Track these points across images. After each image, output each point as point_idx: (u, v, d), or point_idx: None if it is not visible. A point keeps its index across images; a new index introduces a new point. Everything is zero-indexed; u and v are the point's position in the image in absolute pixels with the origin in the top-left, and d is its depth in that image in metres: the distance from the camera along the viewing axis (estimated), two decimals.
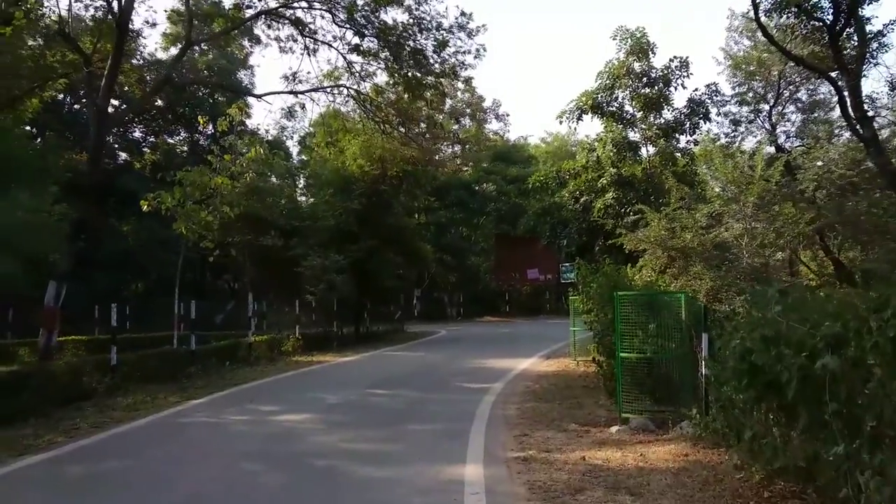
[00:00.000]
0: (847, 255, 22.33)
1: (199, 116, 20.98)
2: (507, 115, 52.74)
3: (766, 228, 17.64)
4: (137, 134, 45.19)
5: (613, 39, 24.49)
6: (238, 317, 26.63)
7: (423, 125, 16.42)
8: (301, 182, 41.45)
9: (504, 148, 47.42)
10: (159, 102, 42.94)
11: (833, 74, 16.34)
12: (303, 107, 17.53)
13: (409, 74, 16.43)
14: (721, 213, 19.53)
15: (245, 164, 24.09)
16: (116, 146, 43.80)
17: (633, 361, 8.64)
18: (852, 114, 12.17)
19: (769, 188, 18.21)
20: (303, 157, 45.35)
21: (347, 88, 16.10)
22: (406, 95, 15.91)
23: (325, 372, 16.57)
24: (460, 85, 41.62)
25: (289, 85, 16.41)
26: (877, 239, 20.12)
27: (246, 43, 46.05)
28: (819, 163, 20.43)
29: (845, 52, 12.81)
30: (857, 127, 12.41)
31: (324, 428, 9.41)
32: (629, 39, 24.26)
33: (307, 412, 10.58)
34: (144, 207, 16.96)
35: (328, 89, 16.61)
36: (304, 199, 35.53)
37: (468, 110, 48.50)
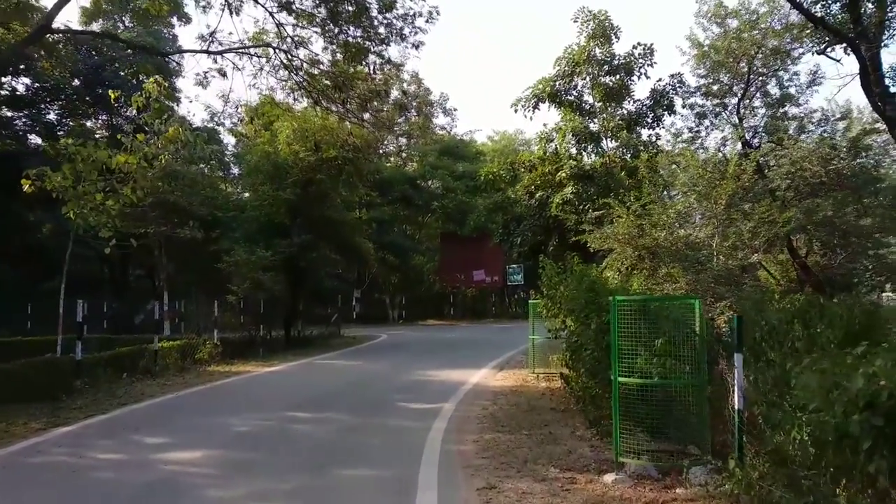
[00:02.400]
0: (813, 259, 21.17)
1: (111, 92, 17.94)
2: (455, 110, 50.77)
3: (738, 229, 16.12)
4: (52, 116, 41.16)
5: (574, 21, 22.74)
6: (169, 317, 23.74)
7: (360, 100, 13.98)
8: (235, 171, 38.43)
9: (451, 143, 45.31)
10: (76, 82, 39.33)
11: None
12: (223, 74, 14.78)
13: (350, 40, 14.07)
14: (689, 212, 17.90)
15: (161, 144, 21.24)
16: (28, 129, 39.62)
17: (633, 388, 6.55)
18: (873, 89, 10.48)
19: (742, 185, 16.70)
20: (237, 148, 42.31)
21: (275, 50, 13.60)
22: (344, 59, 13.51)
23: (243, 386, 14.02)
24: (407, 72, 39.43)
25: (205, 45, 13.84)
26: (852, 242, 18.93)
27: (175, 21, 42.85)
28: (787, 160, 19.12)
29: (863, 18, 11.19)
30: (879, 104, 10.75)
31: (221, 473, 7.00)
32: (591, 22, 22.52)
33: (205, 446, 8.13)
34: (26, 188, 13.98)
35: (252, 51, 14.04)
36: (235, 190, 32.62)
37: (414, 103, 46.23)
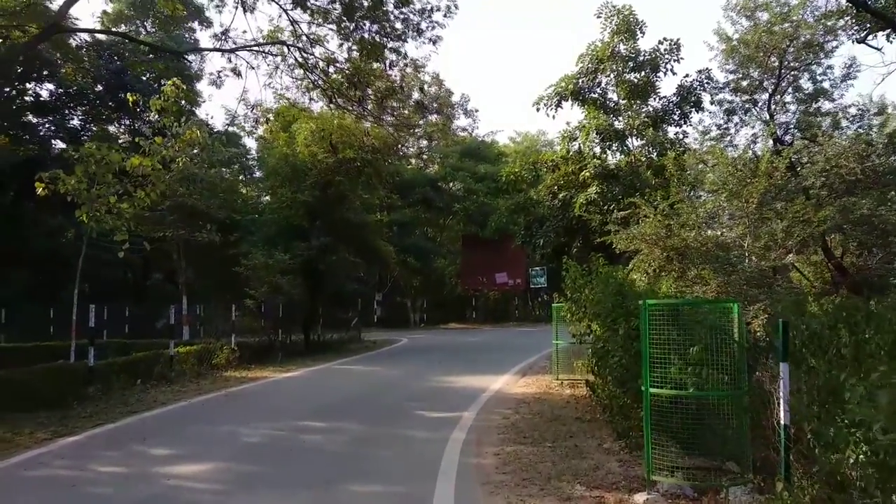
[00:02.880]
0: (849, 259, 20.35)
1: (129, 95, 17.77)
2: (476, 111, 50.20)
3: (771, 228, 15.43)
4: (76, 122, 41.45)
5: (598, 17, 22.12)
6: (189, 322, 23.59)
7: (377, 98, 13.53)
8: (257, 175, 38.32)
9: (473, 144, 44.80)
10: (99, 88, 39.58)
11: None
12: (237, 73, 14.49)
13: (366, 36, 13.68)
14: (718, 211, 17.24)
15: (178, 147, 21.08)
16: (52, 135, 39.97)
17: (667, 400, 6.01)
18: None
19: (774, 183, 16.02)
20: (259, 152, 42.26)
21: (289, 48, 13.25)
22: (360, 55, 13.11)
23: (258, 393, 13.65)
24: (428, 73, 39.04)
25: (218, 44, 13.54)
26: (891, 242, 18.11)
27: (196, 25, 42.89)
28: (822, 157, 18.34)
29: None
30: None
31: (224, 489, 6.59)
32: (615, 17, 21.90)
33: (212, 458, 7.75)
34: (39, 191, 13.82)
35: (267, 50, 13.70)
36: (254, 193, 32.42)
37: (435, 104, 45.85)
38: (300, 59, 14.05)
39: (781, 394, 5.17)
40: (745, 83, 21.51)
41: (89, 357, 12.94)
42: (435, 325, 39.40)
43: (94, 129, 39.37)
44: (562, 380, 13.70)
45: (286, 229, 22.48)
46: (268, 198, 25.82)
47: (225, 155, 23.33)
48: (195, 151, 23.13)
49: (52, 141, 40.08)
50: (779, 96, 20.71)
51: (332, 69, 14.42)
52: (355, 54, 14.19)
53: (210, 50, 13.78)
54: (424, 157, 47.68)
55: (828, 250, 19.82)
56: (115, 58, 39.80)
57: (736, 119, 21.61)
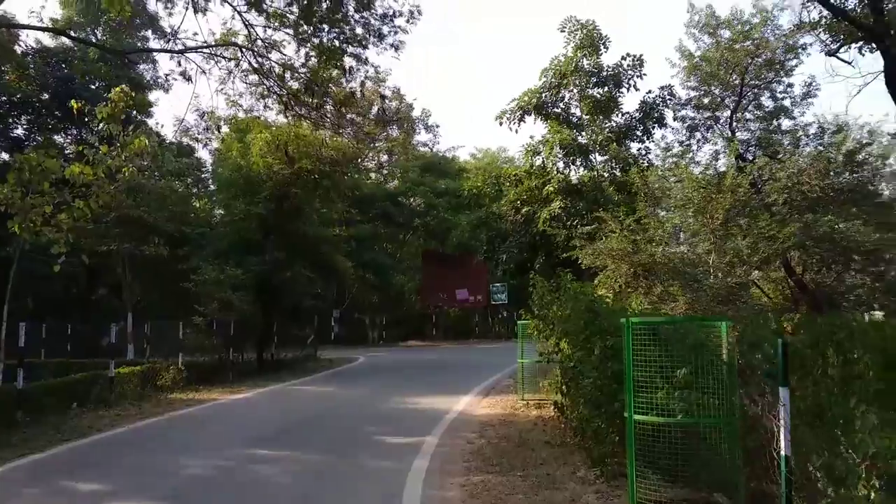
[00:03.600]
0: (808, 276, 20.45)
1: (73, 102, 16.70)
2: (437, 127, 49.73)
3: (736, 244, 15.28)
4: (20, 131, 39.64)
5: (562, 31, 21.96)
6: (134, 340, 22.31)
7: (336, 104, 12.87)
8: (213, 188, 37.13)
9: (433, 160, 44.33)
10: (45, 96, 37.98)
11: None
12: (187, 77, 13.69)
13: (325, 41, 13.07)
14: (684, 227, 17.06)
15: (126, 156, 20.03)
16: None
17: (651, 427, 5.50)
18: None
19: (738, 199, 15.91)
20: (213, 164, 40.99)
21: (242, 50, 12.52)
22: (318, 61, 12.47)
23: (204, 417, 12.74)
24: (388, 88, 38.55)
25: (168, 45, 12.72)
26: (852, 259, 18.21)
27: (150, 34, 41.58)
28: (784, 174, 18.37)
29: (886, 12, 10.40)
30: None
31: None
32: (579, 32, 21.75)
33: (146, 495, 6.96)
34: None
35: (220, 54, 12.95)
36: (207, 206, 31.27)
37: (396, 118, 45.33)
38: (255, 65, 13.31)
39: (782, 421, 4.69)
40: (706, 100, 21.56)
41: (18, 379, 11.86)
42: (394, 343, 38.56)
43: (40, 138, 37.71)
44: (527, 400, 13.15)
45: (239, 243, 21.55)
46: (221, 211, 24.82)
47: (175, 165, 22.27)
48: (144, 163, 22.20)
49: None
50: (740, 113, 20.78)
51: (288, 75, 13.72)
52: (313, 60, 13.54)
53: (158, 51, 13.18)
54: (384, 171, 47.03)
55: (789, 267, 19.87)
56: (63, 65, 38.29)
57: (698, 136, 21.61)
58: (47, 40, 39.86)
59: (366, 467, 8.17)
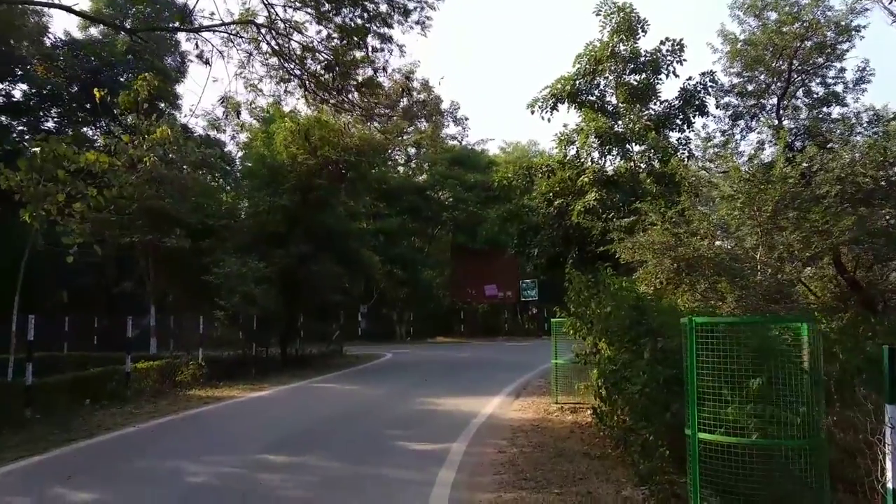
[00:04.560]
0: (860, 273, 19.19)
1: (96, 91, 16.30)
2: (466, 120, 48.87)
3: (786, 239, 14.20)
4: (51, 124, 39.81)
5: (597, 15, 20.91)
6: (157, 334, 21.91)
7: (359, 86, 12.09)
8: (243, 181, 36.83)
9: (462, 153, 43.47)
10: (74, 88, 38.03)
11: None
12: (206, 61, 13.05)
13: (347, 21, 12.34)
14: (731, 220, 15.95)
15: (147, 145, 19.58)
16: (28, 137, 38.29)
17: (719, 447, 4.63)
18: None
19: (788, 191, 14.79)
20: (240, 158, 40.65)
21: (259, 28, 11.82)
22: (341, 41, 11.74)
23: (220, 416, 12.13)
24: (417, 80, 37.78)
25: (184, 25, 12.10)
26: None
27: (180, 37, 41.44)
28: (837, 165, 17.17)
29: None
30: None
31: None
32: (615, 15, 20.69)
33: None
34: None
35: (238, 33, 12.27)
36: (230, 198, 30.85)
37: (424, 112, 44.61)
38: (275, 46, 12.63)
39: (889, 447, 3.80)
40: (751, 87, 20.37)
41: (27, 375, 11.36)
42: (422, 339, 37.86)
43: (70, 131, 37.77)
44: (562, 403, 12.31)
45: (263, 236, 21.00)
46: (246, 203, 24.32)
47: (198, 156, 21.78)
48: (169, 153, 21.73)
49: (27, 143, 38.46)
50: (787, 100, 19.57)
51: (309, 58, 13.02)
52: (336, 42, 12.81)
53: (172, 29, 12.43)
54: (412, 164, 46.38)
55: (840, 263, 18.65)
56: (92, 57, 38.29)
57: (742, 125, 20.43)
58: (76, 32, 39.97)
59: (385, 478, 7.41)
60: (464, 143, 47.62)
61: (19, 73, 37.34)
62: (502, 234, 34.65)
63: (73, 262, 13.28)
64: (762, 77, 19.83)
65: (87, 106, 38.91)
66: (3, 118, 37.41)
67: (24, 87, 39.29)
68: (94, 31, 40.14)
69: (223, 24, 11.35)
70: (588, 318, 9.91)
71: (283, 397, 14.60)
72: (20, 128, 39.86)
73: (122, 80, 37.12)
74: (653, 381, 6.37)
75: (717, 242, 15.17)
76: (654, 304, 8.35)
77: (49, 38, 38.18)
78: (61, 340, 23.79)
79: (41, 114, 39.19)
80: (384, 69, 11.60)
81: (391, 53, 11.99)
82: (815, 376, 4.60)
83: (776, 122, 19.24)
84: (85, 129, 40.33)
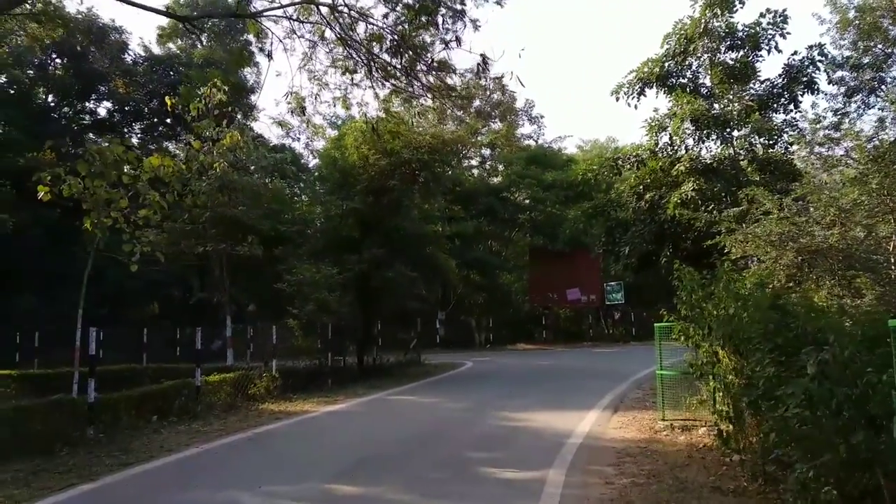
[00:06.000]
0: None
1: (167, 99, 15.95)
2: (542, 118, 47.17)
3: None
4: (135, 140, 40.88)
5: None
6: (238, 344, 21.56)
7: (428, 69, 10.95)
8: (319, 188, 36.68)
9: (538, 151, 41.81)
10: (154, 103, 38.85)
11: None
12: (268, 55, 12.28)
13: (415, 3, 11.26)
14: (860, 205, 13.81)
15: (217, 152, 19.17)
16: None
17: None
18: None
19: None
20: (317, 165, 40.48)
21: (320, 11, 10.88)
22: (409, 25, 10.65)
23: (288, 436, 11.20)
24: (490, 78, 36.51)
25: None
26: None
27: (252, 38, 41.75)
28: None
29: None
30: None
31: None
32: None
33: None
34: (41, 194, 11.86)
35: (302, 29, 11.39)
36: (303, 203, 30.54)
37: (498, 111, 43.37)
38: (339, 33, 11.69)
39: None
40: (867, 59, 18.05)
41: (89, 391, 10.75)
42: (502, 346, 36.44)
43: (153, 146, 38.64)
44: (669, 421, 10.72)
45: (336, 241, 20.26)
46: (319, 208, 23.72)
47: (270, 161, 21.30)
48: (241, 158, 21.36)
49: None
50: None
51: (376, 46, 12.03)
52: (403, 26, 11.77)
53: (228, 15, 11.60)
54: (487, 165, 45.14)
55: None
56: (171, 71, 39.08)
57: (857, 101, 18.12)
58: (155, 48, 40.87)
59: None
60: (539, 141, 46.06)
61: (102, 90, 38.54)
62: (584, 235, 32.87)
63: (162, 274, 12.75)
64: (879, 47, 17.52)
65: (168, 120, 39.86)
66: (91, 135, 38.53)
67: (108, 104, 40.67)
68: (171, 45, 41.03)
69: (281, 6, 10.48)
70: (704, 323, 8.37)
71: (357, 413, 13.59)
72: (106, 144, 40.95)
73: (199, 91, 37.66)
74: (821, 403, 4.85)
75: (855, 231, 13.24)
76: (800, 305, 6.75)
77: (129, 54, 39.30)
78: (139, 351, 23.82)
79: (125, 130, 40.34)
80: (457, 40, 10.38)
81: (465, 26, 10.76)
82: None
83: None
84: (167, 143, 41.34)
